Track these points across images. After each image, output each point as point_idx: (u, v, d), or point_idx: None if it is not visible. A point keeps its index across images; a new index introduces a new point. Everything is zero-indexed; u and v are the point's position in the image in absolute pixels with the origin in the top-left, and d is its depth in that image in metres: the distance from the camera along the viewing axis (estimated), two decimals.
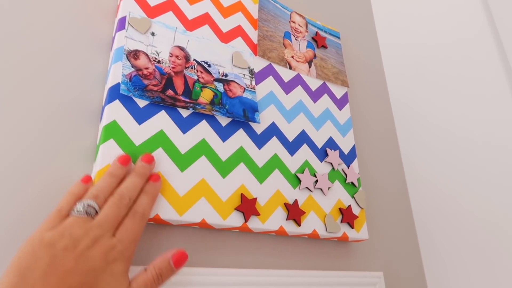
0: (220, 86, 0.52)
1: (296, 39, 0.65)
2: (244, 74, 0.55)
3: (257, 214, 0.47)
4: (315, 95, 0.63)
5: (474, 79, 0.67)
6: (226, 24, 0.57)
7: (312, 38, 0.68)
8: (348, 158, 0.61)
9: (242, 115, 0.52)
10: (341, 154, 0.61)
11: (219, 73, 0.53)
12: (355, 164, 0.61)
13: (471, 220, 0.63)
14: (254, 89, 0.55)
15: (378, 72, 0.82)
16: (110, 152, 0.41)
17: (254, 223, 0.47)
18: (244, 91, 0.54)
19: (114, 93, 0.43)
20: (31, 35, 0.43)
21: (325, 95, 0.64)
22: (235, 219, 0.46)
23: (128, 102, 0.44)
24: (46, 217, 0.38)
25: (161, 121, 0.45)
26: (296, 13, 0.68)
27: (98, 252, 0.34)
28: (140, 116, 0.44)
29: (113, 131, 0.42)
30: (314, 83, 0.64)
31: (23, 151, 0.39)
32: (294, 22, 0.67)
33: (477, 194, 0.63)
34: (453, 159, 0.67)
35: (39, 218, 0.38)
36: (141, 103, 0.45)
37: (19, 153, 0.38)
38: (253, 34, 0.60)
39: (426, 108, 0.74)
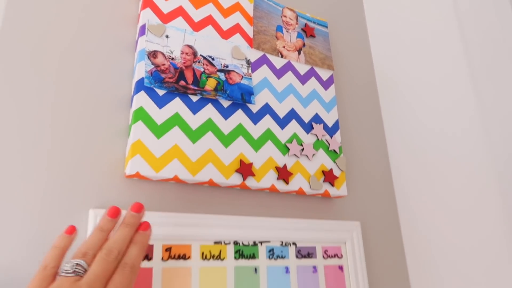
0: (222, 75, 0.65)
1: (287, 31, 0.77)
2: (242, 64, 0.68)
3: (252, 175, 0.61)
4: (303, 79, 0.75)
5: (457, 60, 0.78)
6: (226, 23, 0.70)
7: (302, 29, 0.80)
8: (332, 130, 0.74)
9: (240, 98, 0.65)
10: (325, 127, 0.73)
11: (221, 64, 0.66)
12: (337, 135, 0.74)
13: (445, 178, 0.75)
14: (251, 76, 0.68)
15: (364, 52, 0.93)
16: (140, 130, 0.55)
17: (251, 182, 0.61)
18: (242, 79, 0.67)
19: (140, 86, 0.57)
20: (75, 44, 0.57)
21: (313, 78, 0.76)
22: (236, 179, 0.60)
23: (150, 92, 0.57)
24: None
25: (176, 105, 0.59)
26: (287, 8, 0.80)
27: None
28: (160, 102, 0.58)
29: (141, 115, 0.56)
30: (302, 68, 0.76)
31: (74, 132, 0.53)
32: (285, 16, 0.78)
33: (453, 156, 0.74)
34: (433, 128, 0.79)
35: (89, 180, 0.52)
36: (160, 92, 0.58)
37: (70, 133, 0.53)
38: (249, 30, 0.72)
39: (409, 82, 0.85)
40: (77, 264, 0.36)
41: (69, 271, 0.36)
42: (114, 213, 0.42)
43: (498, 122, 0.68)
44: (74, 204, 0.50)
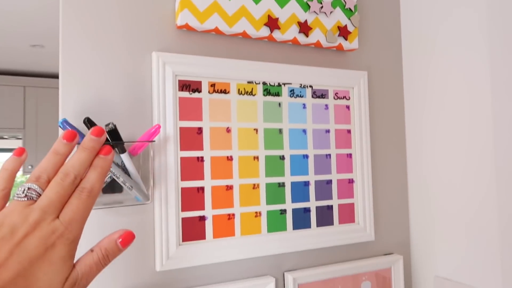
0: None
1: None
2: None
3: (278, 28, 0.73)
4: None
5: None
6: None
7: None
8: None
9: None
10: None
11: None
12: None
13: (450, 45, 0.85)
14: None
15: None
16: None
17: (277, 34, 0.74)
18: None
19: None
20: None
21: None
22: (264, 31, 0.73)
23: None
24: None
25: None
26: None
27: (36, 239, 0.33)
28: None
29: None
30: None
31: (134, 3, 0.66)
32: None
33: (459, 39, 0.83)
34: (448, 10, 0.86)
35: (150, 31, 0.66)
36: None
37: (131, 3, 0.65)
38: None
39: None
40: (28, 188, 0.35)
41: (21, 195, 0.34)
42: (70, 136, 0.39)
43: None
44: (142, 48, 0.65)
